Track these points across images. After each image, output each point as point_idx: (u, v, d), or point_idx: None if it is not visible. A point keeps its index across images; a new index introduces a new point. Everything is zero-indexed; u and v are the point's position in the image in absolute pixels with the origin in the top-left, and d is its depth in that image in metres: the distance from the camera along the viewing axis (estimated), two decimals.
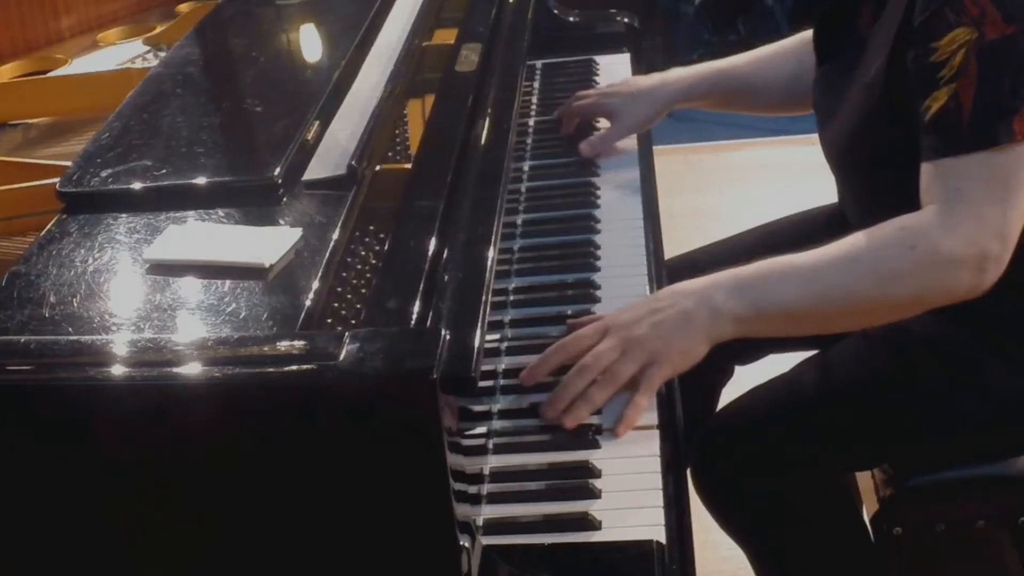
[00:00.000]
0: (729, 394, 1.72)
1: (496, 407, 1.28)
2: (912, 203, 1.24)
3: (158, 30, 2.11)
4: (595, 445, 1.22)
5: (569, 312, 1.42)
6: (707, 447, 1.46)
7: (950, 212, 1.19)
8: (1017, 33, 1.17)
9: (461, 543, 0.97)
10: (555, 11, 2.22)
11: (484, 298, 1.14)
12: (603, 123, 1.84)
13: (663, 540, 1.09)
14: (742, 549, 1.53)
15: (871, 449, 1.42)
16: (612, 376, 1.22)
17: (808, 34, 1.59)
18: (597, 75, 2.11)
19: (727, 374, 1.74)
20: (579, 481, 1.17)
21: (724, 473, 1.44)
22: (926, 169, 1.22)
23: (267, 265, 1.10)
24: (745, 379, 1.73)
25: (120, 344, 0.98)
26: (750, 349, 1.71)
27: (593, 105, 1.81)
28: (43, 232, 1.22)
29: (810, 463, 1.41)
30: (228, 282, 1.09)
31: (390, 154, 1.45)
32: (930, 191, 1.22)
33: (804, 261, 1.24)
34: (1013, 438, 1.39)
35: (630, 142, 1.82)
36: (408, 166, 1.36)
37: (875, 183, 1.39)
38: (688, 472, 1.44)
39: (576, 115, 1.83)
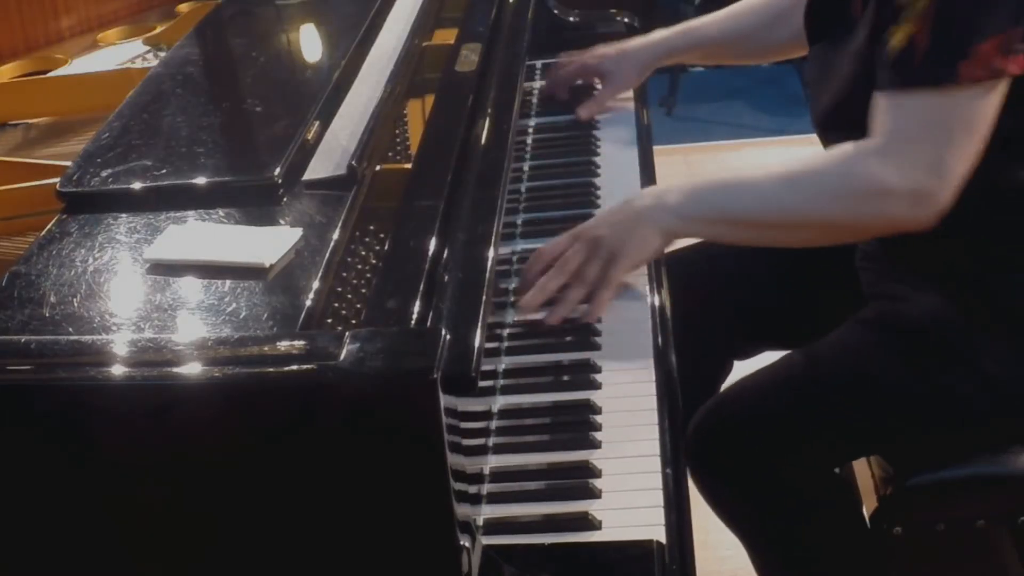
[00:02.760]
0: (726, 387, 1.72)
1: (496, 407, 1.28)
2: None
3: (158, 30, 2.11)
4: (595, 445, 1.22)
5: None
6: (704, 436, 1.46)
7: (889, 144, 1.27)
8: None
9: (461, 543, 0.97)
10: (555, 11, 2.22)
11: (484, 298, 1.14)
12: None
13: (663, 540, 1.09)
14: (740, 540, 1.53)
15: (869, 437, 1.42)
16: (580, 277, 1.36)
17: None
18: None
19: (725, 370, 1.75)
20: (579, 481, 1.17)
21: (721, 463, 1.45)
22: (877, 101, 1.28)
23: (267, 265, 1.10)
24: (740, 372, 1.73)
25: (120, 344, 0.98)
26: (746, 343, 1.72)
27: (582, 67, 1.90)
28: (43, 232, 1.22)
29: (808, 452, 1.41)
30: (228, 282, 1.09)
31: (390, 154, 1.45)
32: (876, 122, 1.28)
33: (753, 175, 1.36)
34: (1013, 427, 1.40)
35: (630, 141, 1.82)
36: (408, 166, 1.36)
37: None
38: (687, 464, 1.45)
39: (567, 78, 1.92)
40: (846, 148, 1.31)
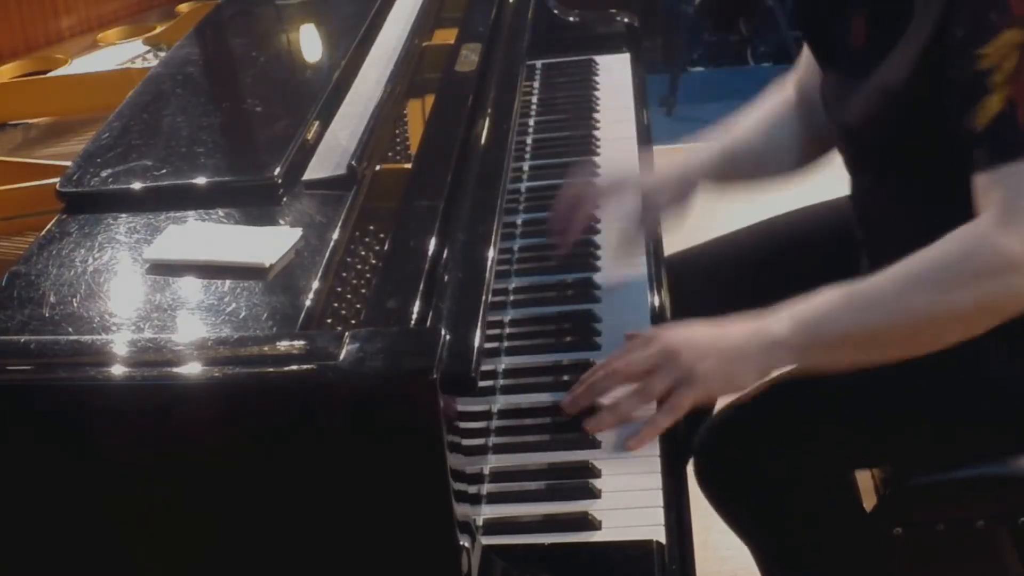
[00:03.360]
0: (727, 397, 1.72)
1: (496, 407, 1.28)
2: (940, 203, 1.23)
3: (158, 30, 2.11)
4: (595, 445, 1.22)
5: (569, 312, 1.42)
6: (711, 443, 1.46)
7: (1007, 216, 1.14)
8: None
9: (461, 543, 0.97)
10: (555, 11, 2.22)
11: (484, 298, 1.14)
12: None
13: (663, 540, 1.09)
14: (747, 545, 1.53)
15: (877, 445, 1.42)
16: (644, 389, 1.21)
17: (787, 79, 1.58)
18: (597, 75, 2.11)
19: None
20: (579, 481, 1.17)
21: (728, 470, 1.44)
22: (980, 180, 1.17)
23: (267, 265, 1.10)
24: None
25: (120, 344, 0.98)
26: None
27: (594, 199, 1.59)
28: (43, 232, 1.22)
29: (815, 460, 1.40)
30: (228, 282, 1.09)
31: (390, 154, 1.45)
32: (987, 199, 1.16)
33: (861, 286, 1.21)
34: (1017, 431, 1.39)
35: (630, 141, 1.82)
36: (408, 166, 1.36)
37: (903, 190, 1.38)
38: (691, 469, 1.45)
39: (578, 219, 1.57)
40: (958, 233, 1.17)
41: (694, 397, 1.22)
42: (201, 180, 1.27)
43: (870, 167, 1.42)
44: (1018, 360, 1.35)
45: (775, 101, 1.61)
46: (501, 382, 1.32)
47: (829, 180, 1.57)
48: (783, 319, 1.22)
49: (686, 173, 1.58)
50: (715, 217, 1.56)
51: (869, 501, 1.49)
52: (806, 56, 1.56)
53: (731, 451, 1.44)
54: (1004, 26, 1.12)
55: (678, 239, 1.69)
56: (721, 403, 1.53)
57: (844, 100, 1.39)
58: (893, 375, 1.38)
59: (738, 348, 1.22)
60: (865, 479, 1.53)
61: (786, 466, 1.41)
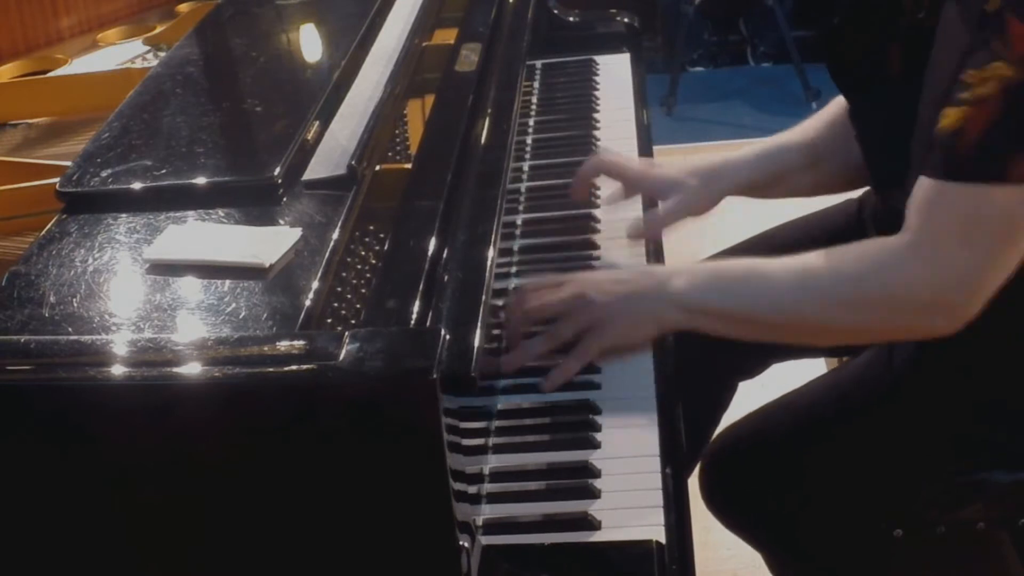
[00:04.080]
0: (734, 407, 1.71)
1: (496, 407, 1.28)
2: None
3: (158, 30, 2.11)
4: (595, 445, 1.22)
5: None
6: (719, 465, 1.45)
7: (920, 243, 1.14)
8: None
9: (461, 543, 0.97)
10: (555, 11, 2.22)
11: (484, 298, 1.14)
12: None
13: (663, 540, 1.09)
14: (760, 553, 1.53)
15: (889, 472, 1.40)
16: (554, 334, 1.25)
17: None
18: (597, 75, 2.11)
19: (731, 390, 1.70)
20: (579, 481, 1.17)
21: (736, 491, 1.43)
22: (919, 182, 1.16)
23: (267, 265, 1.10)
24: (749, 391, 1.72)
25: (120, 344, 0.98)
26: (752, 362, 1.69)
27: (657, 183, 1.53)
28: (43, 232, 1.22)
29: (823, 484, 1.39)
30: (228, 282, 1.09)
31: (390, 154, 1.45)
32: (911, 212, 1.16)
33: (762, 270, 1.22)
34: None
35: (630, 141, 1.82)
36: (408, 166, 1.36)
37: None
38: (700, 490, 1.44)
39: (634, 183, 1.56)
40: (866, 249, 1.18)
41: (600, 345, 1.24)
42: (201, 180, 1.27)
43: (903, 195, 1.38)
44: None
45: (829, 114, 1.52)
46: (501, 383, 1.32)
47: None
48: (683, 277, 1.23)
49: (717, 175, 1.51)
50: (716, 218, 1.55)
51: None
52: None
53: (740, 477, 1.43)
54: (999, 57, 1.11)
55: (678, 243, 1.69)
56: (725, 421, 1.53)
57: (879, 137, 1.33)
58: (908, 404, 1.35)
59: (640, 298, 1.24)
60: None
61: (797, 493, 1.40)
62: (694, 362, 1.42)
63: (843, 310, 1.19)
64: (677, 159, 1.59)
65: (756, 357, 1.67)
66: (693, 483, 1.42)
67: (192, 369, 0.94)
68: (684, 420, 1.31)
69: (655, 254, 1.56)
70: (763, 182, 1.52)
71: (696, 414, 1.34)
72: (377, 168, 1.35)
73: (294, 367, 0.94)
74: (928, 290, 1.14)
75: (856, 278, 1.17)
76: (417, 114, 1.58)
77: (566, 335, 1.24)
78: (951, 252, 1.13)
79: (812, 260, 1.20)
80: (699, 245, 1.69)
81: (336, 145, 1.34)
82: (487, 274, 1.18)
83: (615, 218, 1.60)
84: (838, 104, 1.50)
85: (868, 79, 1.35)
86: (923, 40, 1.22)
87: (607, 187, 1.62)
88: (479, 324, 1.09)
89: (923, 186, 1.14)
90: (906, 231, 1.16)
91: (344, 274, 1.16)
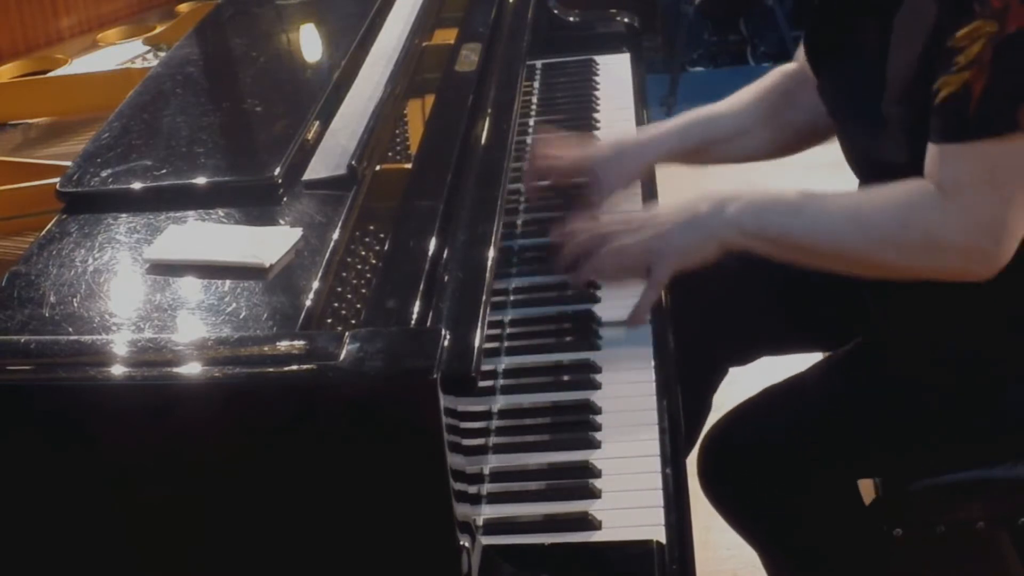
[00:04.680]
0: (723, 395, 1.72)
1: (496, 407, 1.28)
2: None
3: (158, 30, 2.11)
4: (595, 445, 1.22)
5: (569, 312, 1.42)
6: (716, 452, 1.45)
7: (946, 199, 1.20)
8: None
9: (461, 543, 0.96)
10: (555, 11, 2.22)
11: (484, 298, 1.14)
12: None
13: (663, 540, 1.09)
14: (755, 550, 1.53)
15: (880, 456, 1.41)
16: (620, 249, 1.34)
17: (783, 69, 1.60)
18: (597, 75, 2.11)
19: (721, 374, 1.74)
20: (579, 481, 1.17)
21: (734, 478, 1.44)
22: (931, 151, 1.22)
23: (267, 265, 1.10)
24: (740, 378, 1.73)
25: (120, 344, 0.98)
26: (744, 350, 1.71)
27: (572, 167, 1.61)
28: (43, 232, 1.22)
29: (820, 470, 1.40)
30: (228, 282, 1.09)
31: (390, 154, 1.45)
32: (932, 170, 1.22)
33: (813, 203, 1.30)
34: (1020, 443, 1.39)
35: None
36: (408, 166, 1.36)
37: None
38: (698, 475, 1.44)
39: (551, 175, 1.64)
40: (906, 195, 1.24)
41: (669, 272, 1.34)
42: (201, 180, 1.27)
43: (881, 171, 1.41)
44: (1020, 376, 1.35)
45: (761, 87, 1.63)
46: (501, 382, 1.32)
47: (829, 181, 1.57)
48: (739, 203, 1.32)
49: (642, 148, 1.62)
50: None
51: (869, 502, 1.49)
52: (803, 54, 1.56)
53: (737, 464, 1.43)
54: (980, 15, 1.15)
55: None
56: (719, 411, 1.53)
57: (851, 106, 1.37)
58: (897, 390, 1.37)
59: (700, 224, 1.33)
60: (865, 481, 1.53)
61: (789, 472, 1.40)
62: (688, 345, 1.43)
63: (888, 248, 1.25)
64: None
65: (749, 344, 1.69)
66: (693, 483, 1.42)
67: (192, 369, 0.94)
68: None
69: None
70: (691, 149, 1.62)
71: (687, 396, 1.35)
72: (377, 168, 1.35)
73: (294, 367, 0.94)
74: (960, 237, 1.20)
75: (901, 220, 1.24)
76: (417, 114, 1.58)
77: (632, 251, 1.34)
78: (975, 204, 1.19)
79: (864, 197, 1.30)
80: None
81: (336, 145, 1.34)
82: (487, 274, 1.18)
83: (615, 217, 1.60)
84: (772, 77, 1.62)
85: (840, 50, 1.39)
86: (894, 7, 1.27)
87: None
88: (479, 324, 1.09)
89: (936, 150, 1.20)
90: (932, 185, 1.21)
91: (344, 274, 1.16)
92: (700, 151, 1.63)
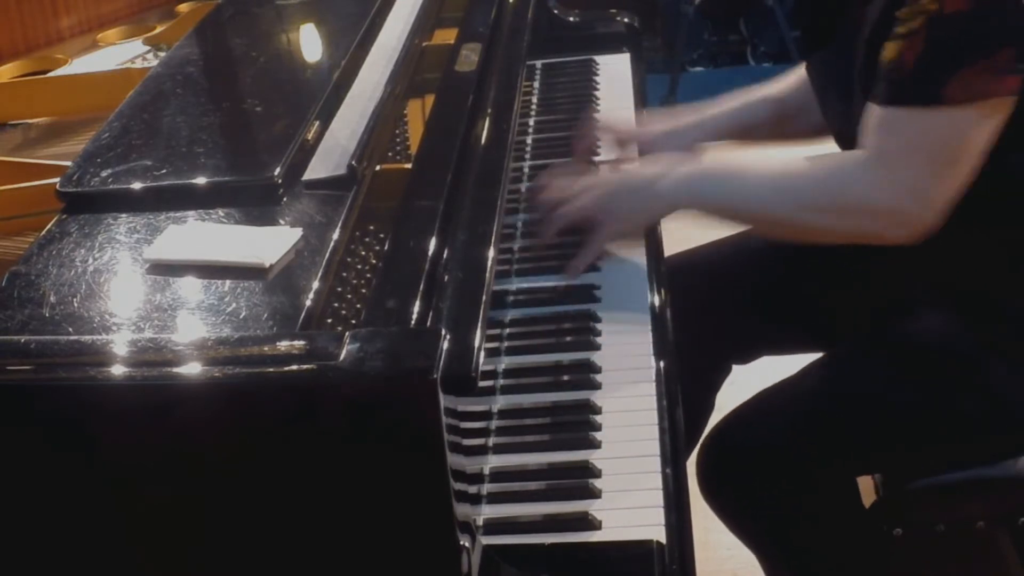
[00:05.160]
0: (726, 395, 1.72)
1: (496, 407, 1.28)
2: None
3: (158, 30, 2.11)
4: (595, 445, 1.22)
5: (569, 312, 1.42)
6: (714, 454, 1.45)
7: (874, 163, 1.27)
8: (972, 10, 1.21)
9: (461, 543, 0.96)
10: (555, 11, 2.22)
11: (484, 298, 1.14)
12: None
13: (663, 540, 1.09)
14: (754, 553, 1.53)
15: (879, 454, 1.42)
16: (567, 210, 1.44)
17: None
18: (597, 75, 2.11)
19: (724, 372, 1.74)
20: (579, 481, 1.17)
21: (733, 480, 1.44)
22: (868, 110, 1.28)
23: (267, 265, 1.10)
24: (742, 379, 1.73)
25: (120, 344, 0.98)
26: (746, 348, 1.71)
27: (630, 136, 1.73)
28: (43, 232, 1.22)
29: (817, 471, 1.40)
30: (228, 282, 1.09)
31: (390, 154, 1.45)
32: (866, 135, 1.29)
33: (753, 169, 1.39)
34: (1018, 441, 1.39)
35: (630, 145, 1.82)
36: (408, 166, 1.36)
37: None
38: (697, 478, 1.45)
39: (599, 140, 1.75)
40: (835, 159, 1.33)
41: (603, 237, 1.43)
42: (201, 180, 1.27)
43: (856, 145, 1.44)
44: (1015, 367, 1.36)
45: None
46: (501, 382, 1.32)
47: None
48: (671, 177, 1.41)
49: (701, 125, 1.68)
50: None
51: (869, 502, 1.49)
52: None
53: (735, 465, 1.44)
54: None
55: (678, 242, 1.69)
56: (721, 411, 1.53)
57: (831, 79, 1.42)
58: (897, 392, 1.38)
59: (630, 193, 1.44)
60: (865, 480, 1.53)
61: (791, 479, 1.40)
62: (690, 341, 1.44)
63: (811, 213, 1.33)
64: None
65: (752, 342, 1.69)
66: (693, 483, 1.42)
67: (192, 369, 0.94)
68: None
69: (655, 252, 1.55)
70: (735, 134, 1.69)
71: (689, 393, 1.35)
72: (377, 168, 1.35)
73: (294, 367, 0.94)
74: (883, 200, 1.28)
75: (822, 185, 1.32)
76: (417, 114, 1.58)
77: (576, 205, 1.44)
78: (901, 169, 1.26)
79: (789, 165, 1.37)
80: (698, 237, 1.71)
81: (336, 145, 1.34)
82: (487, 274, 1.18)
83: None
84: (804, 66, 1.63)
85: (827, 35, 1.44)
86: None
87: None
88: (479, 324, 1.09)
89: (873, 112, 1.28)
90: (862, 147, 1.29)
91: (344, 274, 1.16)
92: (742, 135, 1.68)
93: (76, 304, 1.08)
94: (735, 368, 1.75)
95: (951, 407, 1.36)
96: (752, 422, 1.45)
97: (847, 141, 1.41)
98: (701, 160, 1.45)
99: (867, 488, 1.52)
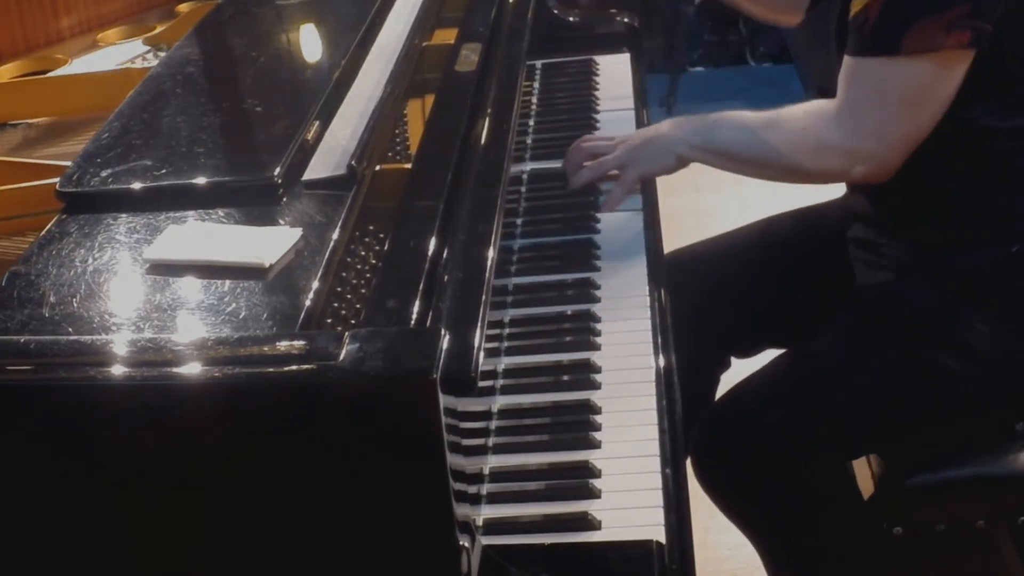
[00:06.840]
0: (726, 386, 1.72)
1: (496, 407, 1.28)
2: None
3: (158, 30, 2.11)
4: (595, 445, 1.22)
5: (569, 312, 1.43)
6: (707, 436, 1.47)
7: (841, 107, 1.40)
8: None
9: (461, 543, 0.97)
10: (555, 11, 2.22)
11: (484, 298, 1.14)
12: None
13: (663, 540, 1.09)
14: (747, 537, 1.54)
15: (871, 431, 1.44)
16: (600, 162, 1.62)
17: None
18: (597, 75, 2.11)
19: (724, 365, 1.75)
20: (579, 481, 1.17)
21: (726, 462, 1.45)
22: (843, 61, 1.41)
23: (267, 265, 1.10)
24: (743, 373, 1.73)
25: (120, 344, 0.98)
26: (746, 341, 1.72)
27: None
28: (43, 232, 1.22)
29: (812, 450, 1.41)
30: (228, 282, 1.09)
31: (390, 154, 1.45)
32: (840, 83, 1.41)
33: (743, 117, 1.53)
34: (1006, 410, 1.42)
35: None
36: (408, 166, 1.36)
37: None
38: (689, 462, 1.45)
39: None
40: (814, 106, 1.45)
41: (637, 171, 1.60)
42: (201, 180, 1.27)
43: None
44: (1001, 335, 1.38)
45: None
46: (501, 382, 1.32)
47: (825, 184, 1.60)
48: (691, 121, 1.57)
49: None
50: (715, 216, 1.58)
51: (869, 499, 1.49)
52: None
53: (728, 446, 1.45)
54: None
55: (678, 242, 1.70)
56: (725, 408, 1.54)
57: (817, 37, 1.53)
58: (884, 363, 1.41)
59: (650, 142, 1.60)
60: (865, 480, 1.53)
61: (787, 464, 1.41)
62: (689, 338, 1.45)
63: (793, 152, 1.46)
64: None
65: (751, 334, 1.71)
66: (693, 483, 1.42)
67: (192, 369, 0.94)
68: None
69: (654, 252, 1.56)
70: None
71: (690, 385, 1.36)
72: (377, 168, 1.35)
73: (294, 367, 0.94)
74: (849, 142, 1.40)
75: (800, 127, 1.46)
76: (417, 114, 1.58)
77: (609, 164, 1.62)
78: (863, 114, 1.39)
79: (777, 113, 1.50)
80: (697, 235, 1.73)
81: (336, 145, 1.34)
82: (487, 274, 1.18)
83: (615, 218, 1.60)
84: None
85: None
86: None
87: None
88: (479, 324, 1.09)
89: (845, 63, 1.40)
90: (838, 98, 1.42)
91: (344, 274, 1.16)
92: None
93: (76, 304, 1.08)
94: (734, 362, 1.76)
95: (937, 373, 1.39)
96: (742, 406, 1.47)
97: (829, 95, 1.50)
98: (707, 116, 1.58)
99: (867, 487, 1.52)
